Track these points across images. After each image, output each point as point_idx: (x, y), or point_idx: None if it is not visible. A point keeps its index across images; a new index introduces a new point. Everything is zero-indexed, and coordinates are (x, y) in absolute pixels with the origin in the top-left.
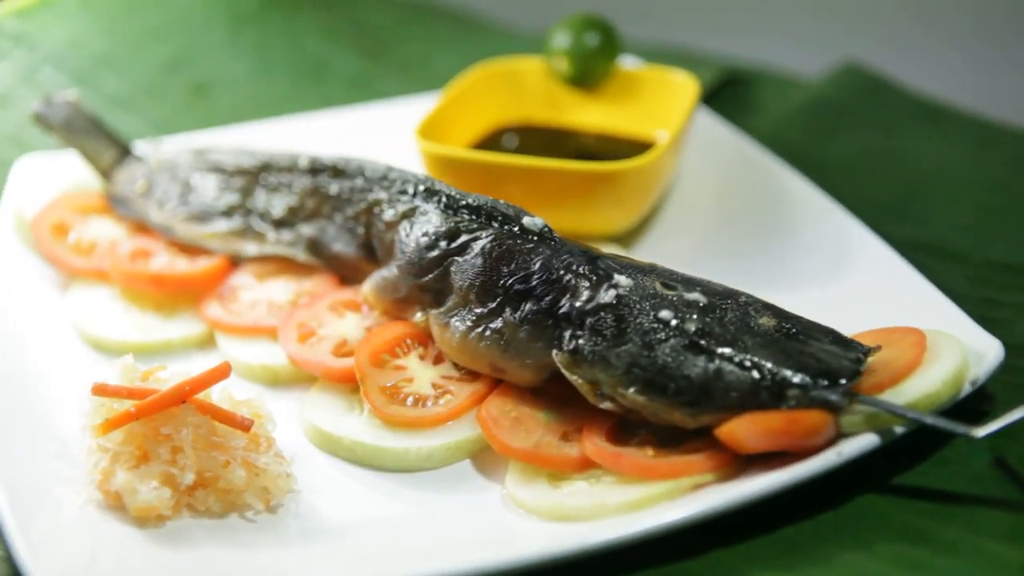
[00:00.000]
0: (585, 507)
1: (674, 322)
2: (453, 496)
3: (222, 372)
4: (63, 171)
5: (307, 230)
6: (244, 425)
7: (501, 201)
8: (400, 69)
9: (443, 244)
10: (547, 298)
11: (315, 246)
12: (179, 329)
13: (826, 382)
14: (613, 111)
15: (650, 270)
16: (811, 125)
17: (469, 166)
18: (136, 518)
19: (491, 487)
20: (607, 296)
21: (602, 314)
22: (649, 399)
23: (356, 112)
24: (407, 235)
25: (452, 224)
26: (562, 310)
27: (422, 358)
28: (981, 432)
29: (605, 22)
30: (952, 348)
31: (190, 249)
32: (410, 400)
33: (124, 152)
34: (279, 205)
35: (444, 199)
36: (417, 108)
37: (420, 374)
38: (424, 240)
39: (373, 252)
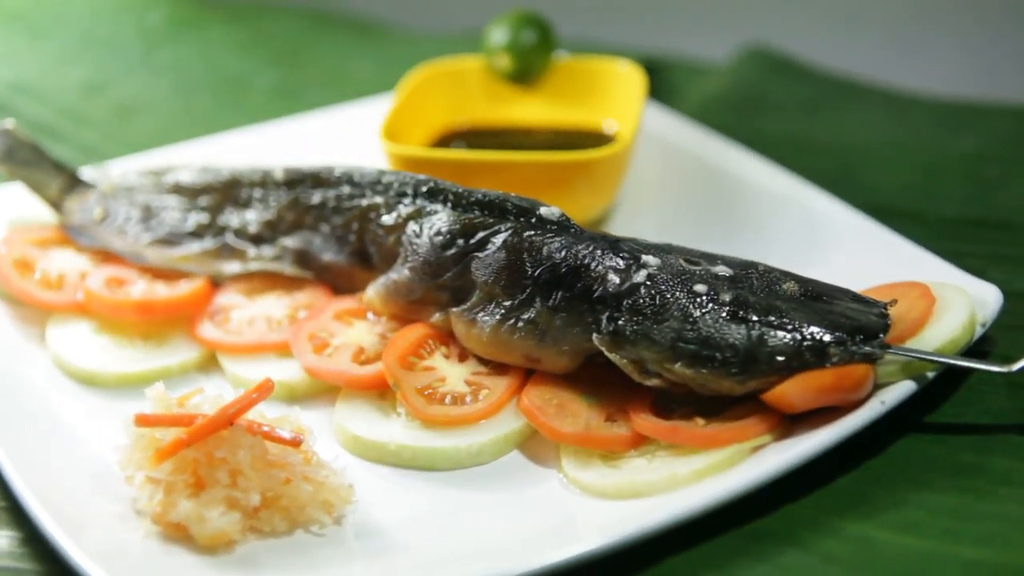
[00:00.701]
0: (657, 481)
1: (710, 295)
2: (512, 488)
3: (266, 389)
4: (8, 204)
5: (291, 242)
6: (295, 442)
7: (513, 194)
8: (317, 79)
9: (460, 242)
10: (579, 284)
11: (303, 258)
12: (174, 355)
13: (862, 337)
14: (558, 104)
15: (669, 249)
16: (733, 108)
17: (443, 165)
18: (206, 547)
19: (546, 474)
20: (639, 276)
21: (638, 294)
22: (697, 371)
23: (290, 124)
24: (417, 236)
25: (466, 221)
26: (596, 294)
27: (447, 357)
28: (1015, 367)
29: (540, 17)
30: (959, 296)
31: (165, 273)
32: (448, 399)
33: (72, 180)
34: (255, 220)
35: (451, 197)
36: (347, 116)
37: (450, 373)
38: (439, 240)
39: (368, 258)
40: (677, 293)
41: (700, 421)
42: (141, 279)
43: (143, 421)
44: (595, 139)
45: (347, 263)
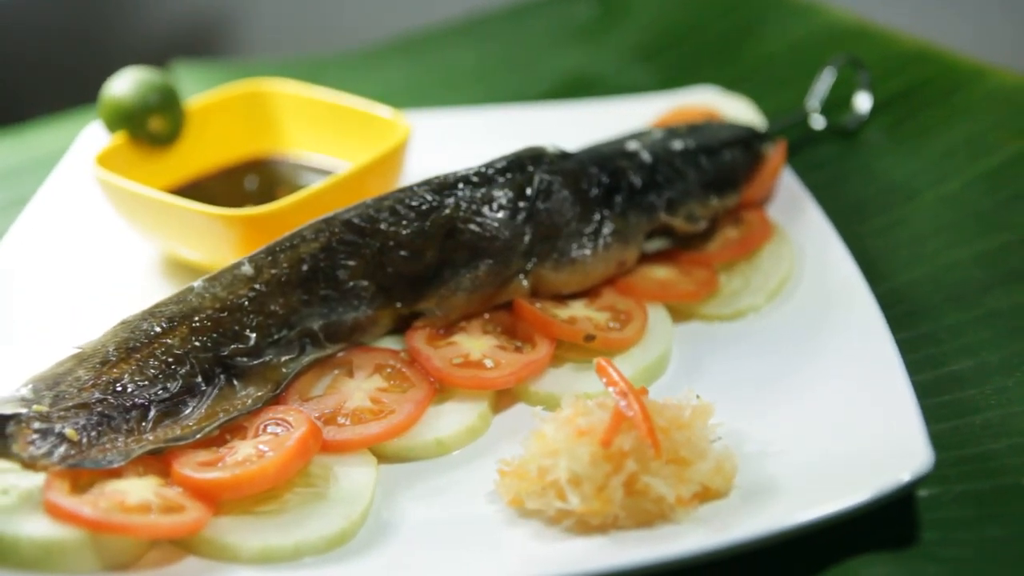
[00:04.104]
0: (788, 267)
1: (687, 148)
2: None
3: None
4: None
5: (307, 326)
6: (643, 390)
7: (510, 153)
8: None
9: (520, 204)
10: (623, 185)
11: (331, 330)
12: (356, 471)
13: (758, 130)
14: (221, 145)
15: (619, 138)
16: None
17: (300, 210)
18: (728, 489)
19: (699, 328)
20: (647, 158)
21: (659, 169)
22: (722, 199)
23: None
24: (477, 226)
25: (511, 187)
26: (639, 185)
27: (559, 310)
28: (812, 112)
29: (152, 71)
30: (726, 100)
31: (220, 436)
32: (613, 324)
33: None
34: (252, 328)
35: (470, 183)
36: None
37: (588, 313)
38: (502, 215)
39: (389, 292)
40: (673, 156)
41: (730, 237)
42: (206, 452)
43: (609, 439)
44: (267, 163)
45: (372, 311)
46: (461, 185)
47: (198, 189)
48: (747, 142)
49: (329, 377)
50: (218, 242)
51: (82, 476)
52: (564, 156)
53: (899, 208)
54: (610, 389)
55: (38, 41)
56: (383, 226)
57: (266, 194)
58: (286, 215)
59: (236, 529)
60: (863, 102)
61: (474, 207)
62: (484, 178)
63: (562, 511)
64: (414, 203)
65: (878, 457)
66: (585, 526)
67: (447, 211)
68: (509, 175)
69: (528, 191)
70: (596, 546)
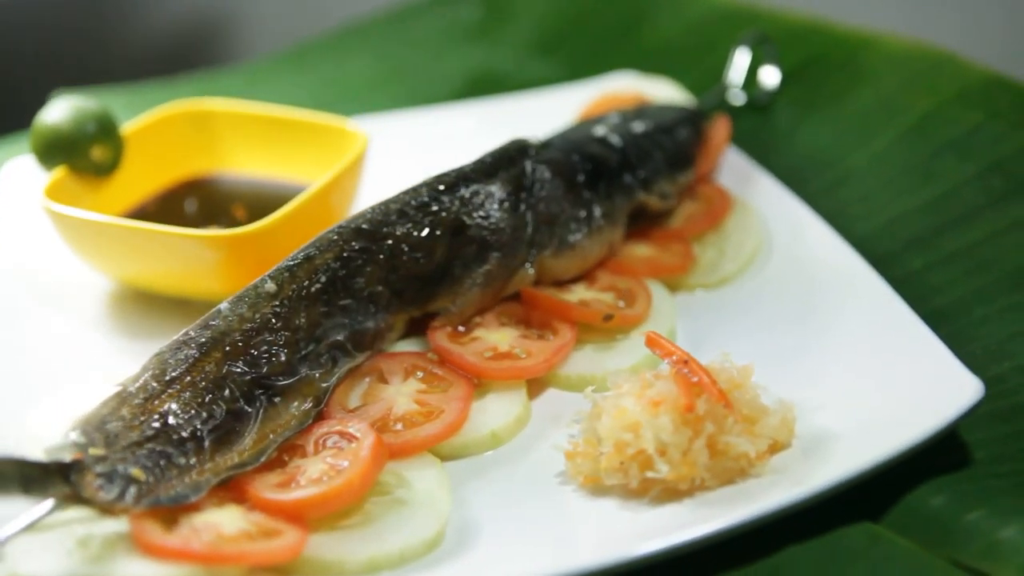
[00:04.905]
0: (757, 240)
1: (647, 129)
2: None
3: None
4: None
5: (334, 336)
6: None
7: (494, 149)
8: None
9: (522, 195)
10: (605, 169)
11: (356, 339)
12: (421, 483)
13: (696, 109)
14: (164, 169)
15: (579, 124)
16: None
17: (287, 226)
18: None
19: (696, 297)
20: (616, 141)
21: (631, 151)
22: (685, 175)
23: None
24: (484, 219)
25: (507, 182)
26: (616, 167)
27: (568, 294)
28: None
29: (85, 98)
30: (646, 82)
31: (278, 457)
32: (624, 304)
33: (62, 470)
34: (281, 346)
35: (467, 182)
36: None
37: (593, 295)
38: (506, 207)
39: (401, 294)
40: (640, 138)
41: (692, 213)
42: (272, 474)
43: (692, 404)
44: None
45: (388, 316)
46: (462, 182)
47: (151, 214)
48: (691, 120)
49: (362, 386)
50: (200, 266)
51: (160, 513)
52: (544, 145)
53: (832, 171)
54: (667, 359)
55: (38, 41)
56: (393, 229)
57: (222, 215)
58: (274, 232)
59: (334, 545)
60: (771, 76)
61: (477, 201)
62: (482, 173)
63: (647, 481)
64: (421, 203)
65: (924, 390)
66: (671, 493)
67: (453, 208)
68: (504, 168)
69: (525, 181)
70: (687, 509)
